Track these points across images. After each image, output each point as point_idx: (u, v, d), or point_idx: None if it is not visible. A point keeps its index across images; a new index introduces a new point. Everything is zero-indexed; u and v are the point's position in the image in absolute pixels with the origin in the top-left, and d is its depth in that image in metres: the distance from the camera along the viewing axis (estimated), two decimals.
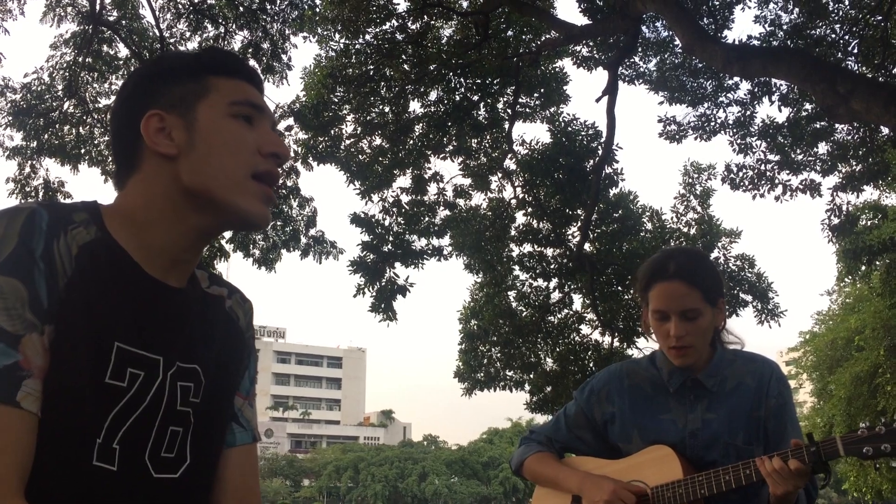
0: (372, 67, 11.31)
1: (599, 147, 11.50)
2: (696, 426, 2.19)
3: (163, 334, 1.16)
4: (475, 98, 11.81)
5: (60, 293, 1.07)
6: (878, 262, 14.51)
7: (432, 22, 11.35)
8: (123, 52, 11.01)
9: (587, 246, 12.21)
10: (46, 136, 10.80)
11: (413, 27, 11.16)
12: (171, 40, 10.56)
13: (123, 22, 10.99)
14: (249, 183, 1.20)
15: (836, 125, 10.74)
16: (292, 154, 11.55)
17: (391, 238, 12.17)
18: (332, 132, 11.63)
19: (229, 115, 1.20)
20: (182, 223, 1.19)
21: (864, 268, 15.09)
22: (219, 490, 1.28)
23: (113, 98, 10.99)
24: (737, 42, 9.71)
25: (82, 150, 11.10)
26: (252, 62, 10.64)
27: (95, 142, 11.30)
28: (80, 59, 10.73)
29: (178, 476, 1.18)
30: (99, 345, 1.08)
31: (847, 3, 10.19)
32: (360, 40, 11.17)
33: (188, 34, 10.67)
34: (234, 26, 10.86)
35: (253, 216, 1.20)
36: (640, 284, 2.26)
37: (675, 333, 2.14)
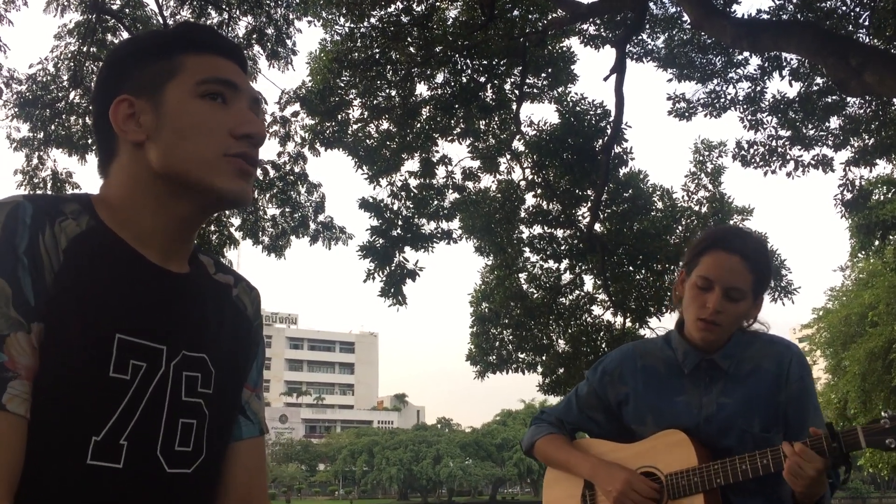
0: (378, 51, 11.23)
1: (608, 126, 11.39)
2: (711, 410, 2.13)
3: (166, 322, 1.12)
4: (482, 79, 11.71)
5: (48, 289, 1.02)
6: (891, 237, 14.40)
7: (437, 3, 11.25)
8: None
9: (597, 226, 12.14)
10: (53, 127, 10.78)
11: (418, 9, 11.07)
12: None
13: (127, 10, 10.94)
14: (222, 161, 1.13)
15: (848, 99, 10.60)
16: (299, 139, 11.51)
17: (400, 222, 12.12)
18: (339, 117, 11.57)
19: (198, 95, 1.14)
20: (163, 210, 1.15)
21: (877, 242, 14.96)
22: (225, 484, 1.23)
23: None
24: (746, 16, 9.58)
25: (89, 141, 11.06)
26: (256, 47, 10.60)
27: None
28: (85, 49, 10.68)
29: (191, 471, 1.13)
30: (99, 338, 1.04)
31: None
32: (365, 23, 11.09)
33: (192, 21, 10.61)
34: (237, 12, 10.80)
35: (232, 194, 1.15)
36: (694, 248, 2.17)
37: (714, 306, 2.06)
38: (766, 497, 2.08)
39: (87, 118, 11.07)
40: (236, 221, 11.44)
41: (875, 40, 9.96)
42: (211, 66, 1.16)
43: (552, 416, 2.43)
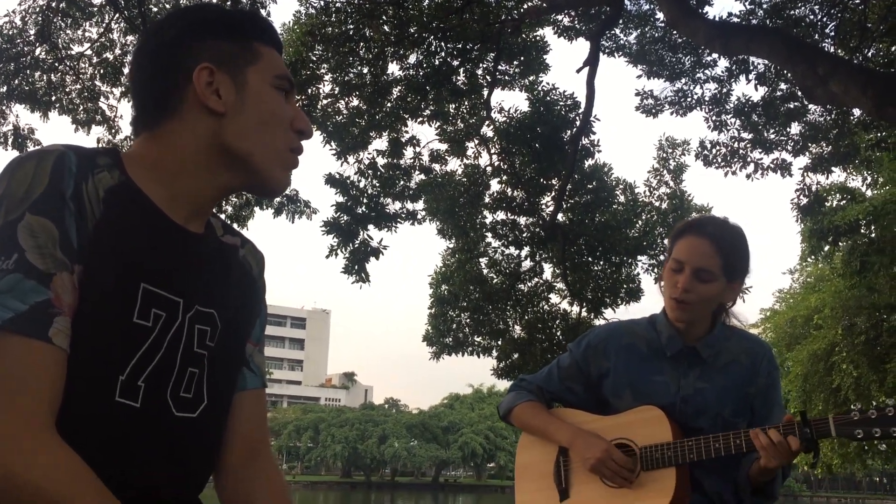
0: (352, 27, 11.18)
1: (577, 118, 11.53)
2: (689, 392, 2.27)
3: (184, 278, 1.19)
4: (455, 63, 11.73)
5: (89, 234, 1.10)
6: (841, 243, 14.80)
7: None
8: None
9: (560, 216, 12.30)
10: (17, 82, 10.56)
11: None
12: None
13: None
14: (288, 155, 1.26)
15: (809, 106, 10.88)
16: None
17: (366, 200, 12.15)
18: (310, 91, 11.51)
19: (274, 87, 1.25)
20: (211, 177, 1.23)
21: (827, 248, 15.38)
22: (230, 430, 1.33)
23: (88, 45, 10.80)
24: (716, 19, 9.76)
25: (53, 98, 10.88)
26: None
27: (67, 89, 11.07)
28: (54, 5, 10.46)
29: (196, 416, 1.22)
30: (126, 285, 1.11)
31: None
32: None
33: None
34: None
35: (280, 185, 1.27)
36: (671, 235, 2.35)
37: (683, 286, 2.22)
38: (723, 476, 2.24)
39: (52, 75, 10.86)
40: None
41: (839, 50, 10.22)
42: (280, 62, 1.29)
43: (532, 384, 2.54)
